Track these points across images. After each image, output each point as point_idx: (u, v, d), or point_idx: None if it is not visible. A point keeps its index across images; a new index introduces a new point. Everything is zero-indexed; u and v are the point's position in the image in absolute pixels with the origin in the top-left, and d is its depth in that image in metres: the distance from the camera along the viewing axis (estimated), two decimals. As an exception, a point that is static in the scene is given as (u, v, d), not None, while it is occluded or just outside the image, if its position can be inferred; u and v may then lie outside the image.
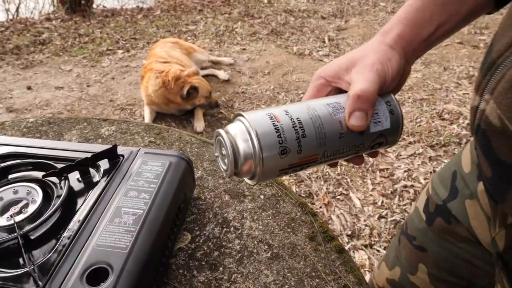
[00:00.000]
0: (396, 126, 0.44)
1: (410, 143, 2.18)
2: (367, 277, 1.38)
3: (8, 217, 0.56)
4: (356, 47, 0.62)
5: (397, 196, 1.85)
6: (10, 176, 0.64)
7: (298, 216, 0.70)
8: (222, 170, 0.41)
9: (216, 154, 0.41)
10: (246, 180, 0.41)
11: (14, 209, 0.58)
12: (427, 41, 0.46)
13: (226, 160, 0.39)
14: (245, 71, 3.05)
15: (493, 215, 0.50)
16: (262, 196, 0.74)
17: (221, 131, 0.39)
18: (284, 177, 1.98)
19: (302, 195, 1.90)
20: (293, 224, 0.69)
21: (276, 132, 0.38)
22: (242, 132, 0.38)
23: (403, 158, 2.08)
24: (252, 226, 0.68)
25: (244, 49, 3.42)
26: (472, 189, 0.56)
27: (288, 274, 0.60)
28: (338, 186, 1.95)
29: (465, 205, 0.57)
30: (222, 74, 2.92)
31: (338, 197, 1.89)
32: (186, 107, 2.41)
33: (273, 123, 0.38)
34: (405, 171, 1.99)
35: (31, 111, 2.63)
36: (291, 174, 1.98)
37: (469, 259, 0.60)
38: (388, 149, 2.14)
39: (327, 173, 2.02)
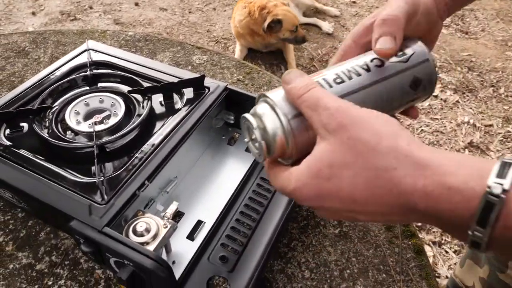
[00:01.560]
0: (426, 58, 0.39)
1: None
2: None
3: (90, 124, 0.56)
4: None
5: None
6: (99, 84, 0.64)
7: (379, 199, 0.62)
8: (256, 155, 0.36)
9: (246, 140, 0.37)
10: (281, 160, 0.36)
11: (97, 117, 0.58)
12: None
13: (257, 144, 0.35)
14: (349, 26, 2.83)
15: None
16: (343, 167, 0.67)
17: (246, 115, 0.35)
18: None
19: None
20: (371, 206, 0.61)
21: None
22: (266, 109, 0.34)
23: None
24: (325, 196, 0.62)
25: (354, 2, 3.15)
26: None
27: (353, 259, 0.54)
28: (420, 172, 1.78)
29: None
30: (326, 26, 2.73)
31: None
32: (270, 41, 2.31)
33: None
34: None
35: (134, 26, 2.74)
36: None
37: None
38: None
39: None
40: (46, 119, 0.58)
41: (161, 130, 0.57)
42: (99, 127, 0.55)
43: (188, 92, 0.63)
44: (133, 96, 0.62)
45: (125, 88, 0.63)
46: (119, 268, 0.45)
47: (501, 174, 0.24)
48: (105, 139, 0.54)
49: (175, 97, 0.63)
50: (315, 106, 0.31)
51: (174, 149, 0.54)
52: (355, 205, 0.29)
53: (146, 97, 0.61)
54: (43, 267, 0.51)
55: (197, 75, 0.63)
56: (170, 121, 0.58)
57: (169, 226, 0.47)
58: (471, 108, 2.14)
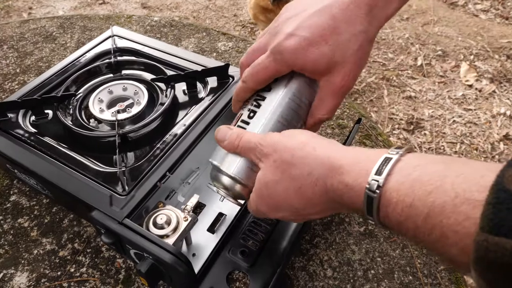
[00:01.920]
0: None
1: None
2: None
3: (113, 113, 0.56)
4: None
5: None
6: (123, 72, 0.64)
7: (408, 197, 0.59)
8: (235, 204, 0.43)
9: (221, 200, 0.45)
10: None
11: (120, 105, 0.57)
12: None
13: (228, 199, 0.42)
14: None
15: None
16: (370, 161, 0.64)
17: (208, 185, 0.43)
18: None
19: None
20: (399, 203, 0.58)
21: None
22: (217, 173, 0.41)
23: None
24: (350, 192, 0.60)
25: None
26: None
27: (378, 259, 0.52)
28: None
29: None
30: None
31: (447, 176, 1.67)
32: None
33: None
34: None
35: (161, 10, 2.74)
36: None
37: None
38: (527, 140, 1.79)
39: (442, 146, 1.78)
40: (70, 107, 0.58)
41: (183, 120, 0.56)
42: (121, 116, 0.55)
43: (212, 81, 0.62)
44: (156, 84, 0.61)
45: (148, 76, 0.62)
46: (139, 259, 0.44)
47: (380, 171, 0.28)
48: (127, 128, 0.54)
49: (199, 86, 0.62)
50: (249, 148, 0.37)
51: (196, 139, 0.53)
52: (299, 210, 0.35)
53: (170, 86, 0.59)
54: (65, 254, 0.51)
55: (221, 63, 0.61)
56: (193, 110, 0.57)
57: (189, 219, 0.46)
58: (508, 99, 2.03)
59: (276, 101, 0.40)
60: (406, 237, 0.28)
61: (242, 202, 0.43)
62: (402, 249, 0.53)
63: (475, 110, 1.98)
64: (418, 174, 0.26)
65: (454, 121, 1.93)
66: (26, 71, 0.80)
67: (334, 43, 0.37)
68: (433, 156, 0.28)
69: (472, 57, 2.26)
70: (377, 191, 0.27)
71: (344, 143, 0.58)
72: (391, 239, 0.54)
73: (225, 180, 0.40)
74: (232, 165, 0.39)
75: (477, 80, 2.12)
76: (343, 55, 0.37)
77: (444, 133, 1.87)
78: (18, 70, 0.80)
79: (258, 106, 0.41)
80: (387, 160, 0.28)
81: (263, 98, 0.41)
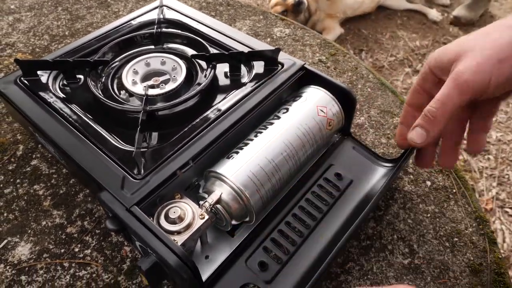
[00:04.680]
0: None
1: None
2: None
3: (144, 87, 0.51)
4: None
5: None
6: (165, 45, 0.59)
7: (468, 233, 0.49)
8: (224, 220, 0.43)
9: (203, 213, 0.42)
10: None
11: (155, 80, 0.52)
12: None
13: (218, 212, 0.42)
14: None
15: None
16: (428, 183, 0.54)
17: (200, 194, 0.44)
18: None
19: (462, 187, 1.56)
20: (456, 239, 0.49)
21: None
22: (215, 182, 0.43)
23: None
24: (399, 215, 0.51)
25: (468, -8, 2.78)
26: None
27: (422, 302, 0.43)
28: (515, 197, 1.53)
29: None
30: (433, 14, 2.43)
31: (508, 210, 1.50)
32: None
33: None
34: None
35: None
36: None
37: None
38: None
39: (507, 176, 1.60)
40: (103, 75, 0.54)
41: (220, 104, 0.50)
42: (153, 91, 0.50)
43: (258, 66, 0.55)
44: (197, 62, 0.55)
45: (191, 52, 0.57)
46: (144, 253, 0.39)
47: None
48: (157, 105, 0.49)
49: (243, 69, 0.55)
50: None
51: (230, 128, 0.47)
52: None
53: (211, 65, 0.54)
54: (73, 231, 0.48)
55: (271, 47, 0.55)
56: (232, 95, 0.51)
57: (206, 217, 0.40)
58: None
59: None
60: None
61: (229, 222, 0.42)
62: (454, 295, 0.44)
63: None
64: None
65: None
66: (75, 34, 0.78)
67: None
68: None
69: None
70: None
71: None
72: (441, 280, 0.45)
73: (225, 190, 0.41)
74: (239, 177, 0.42)
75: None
76: None
77: (511, 161, 1.67)
78: (67, 33, 0.78)
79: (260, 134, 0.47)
80: None
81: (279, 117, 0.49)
